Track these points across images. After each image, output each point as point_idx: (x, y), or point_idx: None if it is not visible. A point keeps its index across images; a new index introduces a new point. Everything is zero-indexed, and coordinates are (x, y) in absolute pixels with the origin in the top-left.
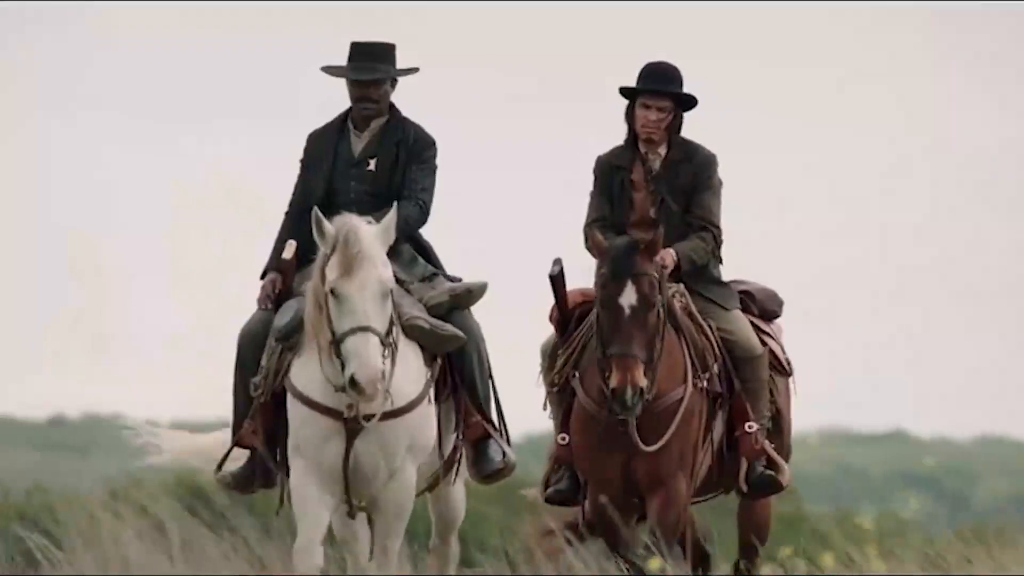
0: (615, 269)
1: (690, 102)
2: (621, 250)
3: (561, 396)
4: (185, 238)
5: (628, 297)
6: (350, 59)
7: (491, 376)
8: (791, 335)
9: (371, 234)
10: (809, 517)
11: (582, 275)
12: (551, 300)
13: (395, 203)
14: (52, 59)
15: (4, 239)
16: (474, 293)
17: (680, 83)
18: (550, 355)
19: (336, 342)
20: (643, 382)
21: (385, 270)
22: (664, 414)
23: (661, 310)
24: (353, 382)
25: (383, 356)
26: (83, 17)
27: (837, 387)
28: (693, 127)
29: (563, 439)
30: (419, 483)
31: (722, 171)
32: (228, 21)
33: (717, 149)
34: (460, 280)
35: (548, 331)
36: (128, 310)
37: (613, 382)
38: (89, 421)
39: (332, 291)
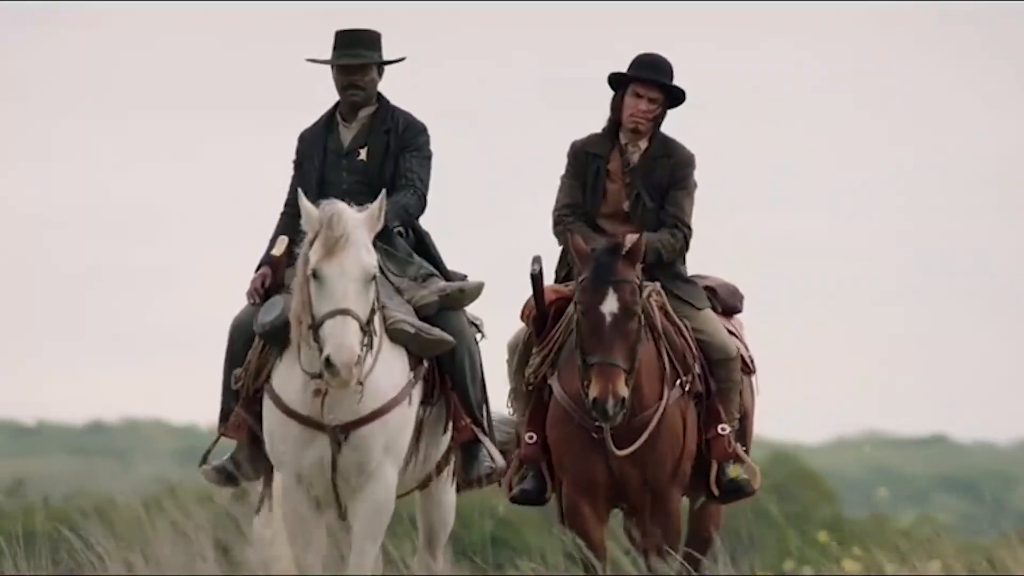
0: (597, 275)
1: (679, 97)
2: (603, 256)
3: (532, 395)
4: (218, 240)
5: (610, 305)
6: (335, 48)
7: (483, 379)
8: (831, 339)
9: (356, 218)
10: (847, 520)
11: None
12: (522, 295)
13: (383, 191)
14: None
15: (36, 246)
16: (467, 293)
17: (671, 77)
18: (521, 353)
19: (315, 326)
20: (624, 392)
21: (368, 255)
22: (645, 424)
23: (641, 316)
24: (328, 363)
25: (362, 343)
26: (104, 17)
27: (878, 391)
28: (678, 123)
29: (531, 438)
30: (406, 485)
31: (709, 171)
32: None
33: (713, 149)
34: (463, 277)
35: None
36: (161, 311)
37: (594, 392)
38: (128, 426)
39: (313, 273)
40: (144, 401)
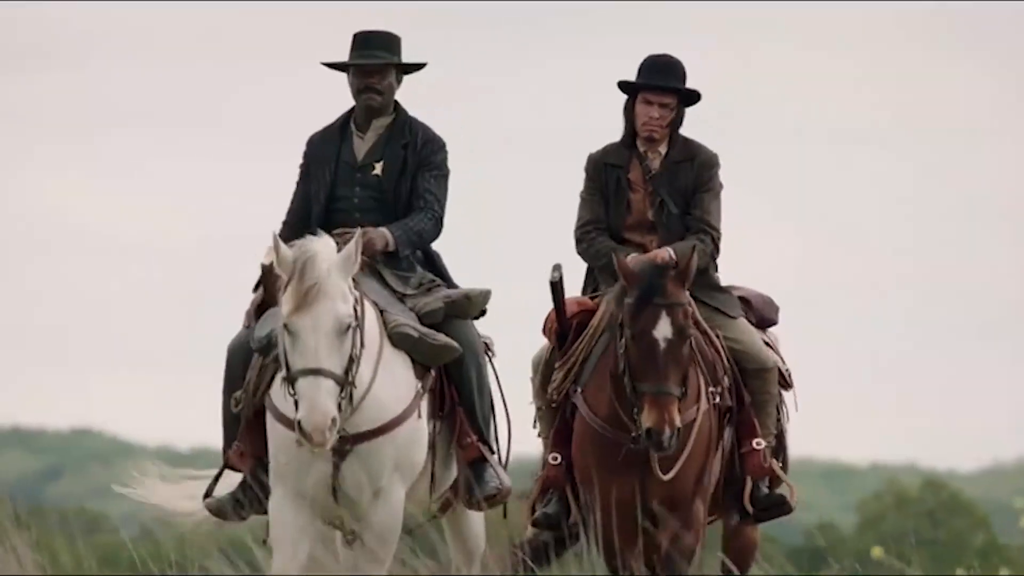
0: (647, 298)
1: (694, 98)
2: (652, 277)
3: (556, 413)
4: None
5: (663, 329)
6: (352, 49)
7: (492, 395)
8: (979, 362)
9: (330, 263)
10: (1002, 548)
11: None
12: (548, 309)
13: (359, 232)
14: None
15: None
16: (474, 301)
17: (683, 78)
18: (543, 369)
19: (290, 380)
20: (679, 422)
21: (344, 305)
22: (682, 442)
23: (693, 340)
24: (300, 428)
25: (339, 397)
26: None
27: None
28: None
29: (555, 459)
30: (430, 511)
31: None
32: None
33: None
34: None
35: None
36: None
37: (648, 422)
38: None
39: (285, 326)
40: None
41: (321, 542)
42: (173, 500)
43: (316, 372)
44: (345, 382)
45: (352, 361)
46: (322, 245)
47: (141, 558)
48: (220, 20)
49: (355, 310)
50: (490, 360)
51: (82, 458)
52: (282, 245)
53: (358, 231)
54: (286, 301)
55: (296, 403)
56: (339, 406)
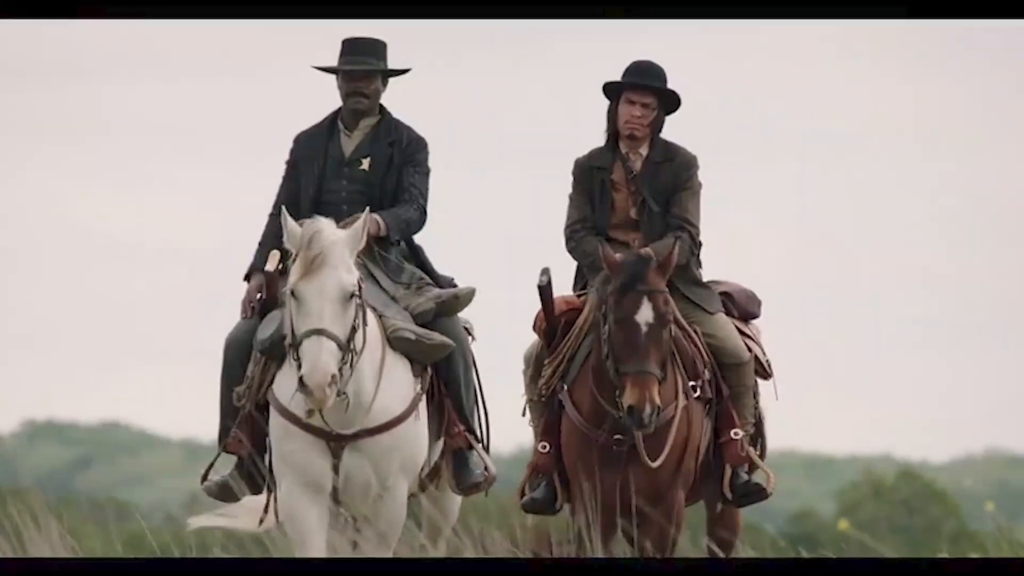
0: (630, 285)
1: (674, 100)
2: (635, 265)
3: (545, 406)
4: None
5: (644, 314)
6: (341, 54)
7: (478, 385)
8: (951, 357)
9: (336, 237)
10: (973, 534)
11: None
12: (537, 308)
13: (366, 210)
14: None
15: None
16: (461, 299)
17: (664, 81)
18: (534, 364)
19: (294, 345)
20: (659, 400)
21: (348, 275)
22: (661, 428)
23: (672, 326)
24: (302, 383)
25: (340, 361)
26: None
27: (1002, 408)
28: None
29: (544, 447)
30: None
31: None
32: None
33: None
34: (451, 280)
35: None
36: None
37: (630, 399)
38: None
39: (292, 292)
40: None
41: (333, 525)
42: (247, 521)
43: (319, 332)
44: (347, 348)
45: (354, 331)
46: (327, 222)
47: (164, 544)
48: (239, 36)
49: (359, 283)
50: (472, 341)
51: (111, 449)
52: (290, 220)
53: (366, 211)
54: (294, 270)
55: (300, 365)
56: (339, 371)
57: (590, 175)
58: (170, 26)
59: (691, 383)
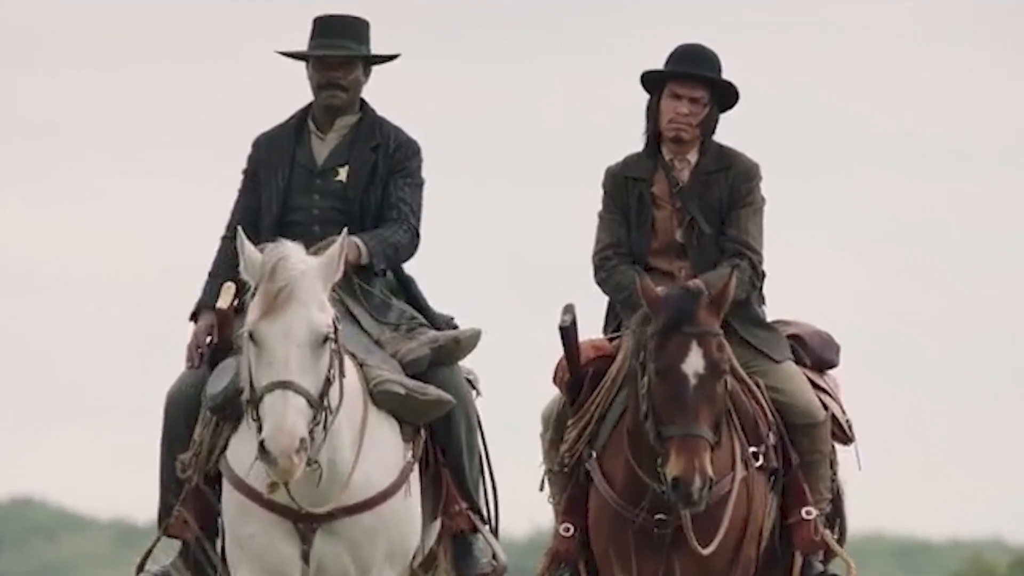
0: (675, 326)
1: (730, 93)
2: (681, 302)
3: (568, 478)
4: None
5: (693, 363)
6: (313, 36)
7: (484, 451)
8: None
9: (305, 266)
10: None
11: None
12: (558, 354)
13: (344, 231)
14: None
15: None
16: (463, 344)
17: (718, 70)
18: (555, 425)
19: (254, 401)
20: (711, 470)
21: (320, 313)
22: (714, 506)
23: (728, 377)
24: (264, 449)
25: (311, 422)
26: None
27: None
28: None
29: (567, 530)
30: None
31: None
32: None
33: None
34: (450, 319)
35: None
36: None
37: (675, 470)
38: None
39: (251, 335)
40: None
41: None
42: None
43: (285, 385)
44: (319, 406)
45: (328, 383)
46: (295, 248)
47: None
48: (190, 17)
49: (334, 323)
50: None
51: (23, 531)
52: (248, 245)
53: (343, 233)
54: (253, 308)
55: (260, 427)
56: (310, 434)
57: (625, 188)
58: (102, 3)
59: (752, 449)
